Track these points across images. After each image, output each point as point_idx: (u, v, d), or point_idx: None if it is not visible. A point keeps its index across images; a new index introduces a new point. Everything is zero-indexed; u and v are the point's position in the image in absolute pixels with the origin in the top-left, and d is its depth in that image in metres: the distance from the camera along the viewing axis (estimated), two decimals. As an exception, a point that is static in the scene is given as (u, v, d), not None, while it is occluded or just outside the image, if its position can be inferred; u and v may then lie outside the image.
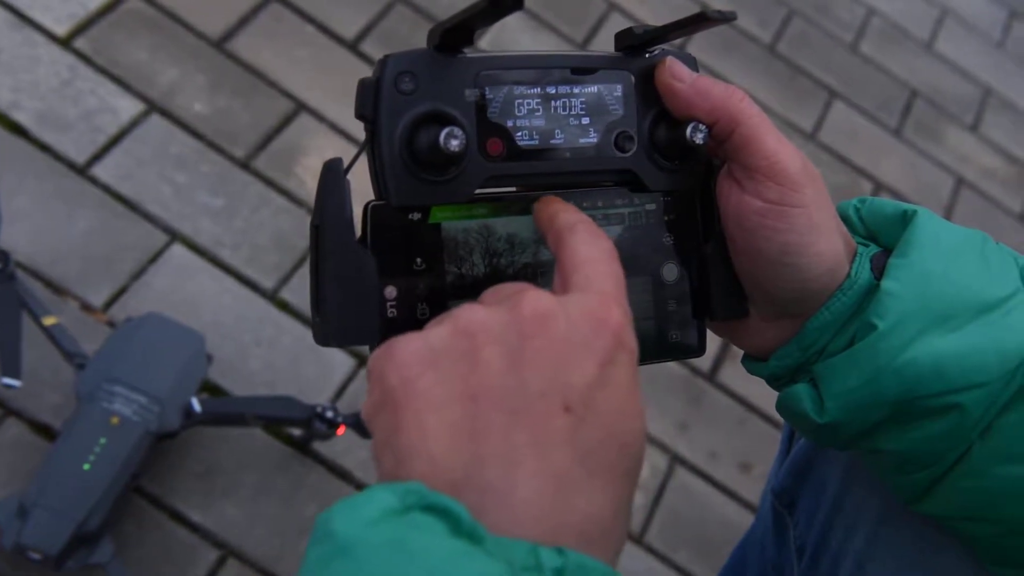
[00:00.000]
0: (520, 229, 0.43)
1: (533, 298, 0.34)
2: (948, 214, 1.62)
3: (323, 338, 0.40)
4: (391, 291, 0.41)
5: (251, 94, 1.23)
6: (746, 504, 1.18)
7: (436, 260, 0.41)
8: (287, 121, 1.23)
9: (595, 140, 0.43)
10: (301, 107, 1.25)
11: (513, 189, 0.44)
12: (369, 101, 0.40)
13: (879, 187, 1.59)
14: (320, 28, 1.33)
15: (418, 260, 0.41)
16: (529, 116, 0.42)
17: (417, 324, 0.39)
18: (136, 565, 0.91)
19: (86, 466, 0.84)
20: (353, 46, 1.33)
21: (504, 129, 0.42)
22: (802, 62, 1.69)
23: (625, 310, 0.36)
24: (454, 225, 0.42)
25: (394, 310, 0.41)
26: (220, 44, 1.25)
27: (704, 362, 1.27)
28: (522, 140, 0.42)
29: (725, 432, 1.23)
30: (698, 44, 1.60)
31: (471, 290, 0.42)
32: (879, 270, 0.44)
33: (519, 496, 0.31)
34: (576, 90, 0.43)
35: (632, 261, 0.45)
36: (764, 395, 1.22)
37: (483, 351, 0.33)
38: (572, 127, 0.43)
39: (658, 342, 0.46)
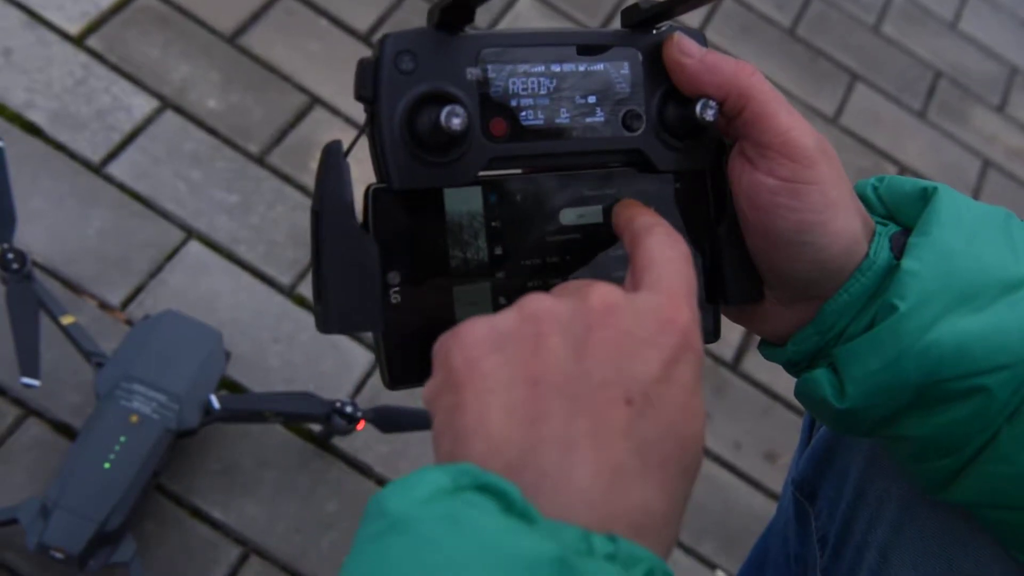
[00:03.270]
0: (525, 213, 0.42)
1: (602, 290, 0.35)
2: (975, 196, 1.59)
3: (324, 325, 0.39)
4: (394, 276, 0.40)
5: (265, 89, 1.22)
6: (772, 495, 1.16)
7: (440, 244, 0.40)
8: (301, 115, 1.22)
9: (602, 119, 0.42)
10: (315, 101, 1.24)
11: (519, 171, 0.43)
12: (368, 81, 0.39)
13: (903, 170, 1.56)
14: (333, 21, 1.32)
15: (422, 244, 0.40)
16: (533, 95, 0.41)
17: (421, 309, 0.37)
18: (158, 563, 0.91)
19: (106, 465, 0.84)
20: (366, 38, 1.32)
21: (508, 108, 0.40)
22: (822, 45, 1.66)
23: (695, 313, 0.35)
24: (458, 209, 0.41)
25: (397, 295, 0.40)
26: (233, 39, 1.25)
27: (727, 351, 1.25)
28: (526, 120, 0.41)
29: (749, 422, 1.21)
30: (716, 28, 1.58)
31: (476, 274, 0.41)
32: (899, 249, 0.43)
33: (574, 483, 0.31)
34: (582, 68, 0.42)
35: None
36: (789, 384, 1.19)
37: (548, 338, 0.34)
38: (578, 106, 0.42)
39: None
